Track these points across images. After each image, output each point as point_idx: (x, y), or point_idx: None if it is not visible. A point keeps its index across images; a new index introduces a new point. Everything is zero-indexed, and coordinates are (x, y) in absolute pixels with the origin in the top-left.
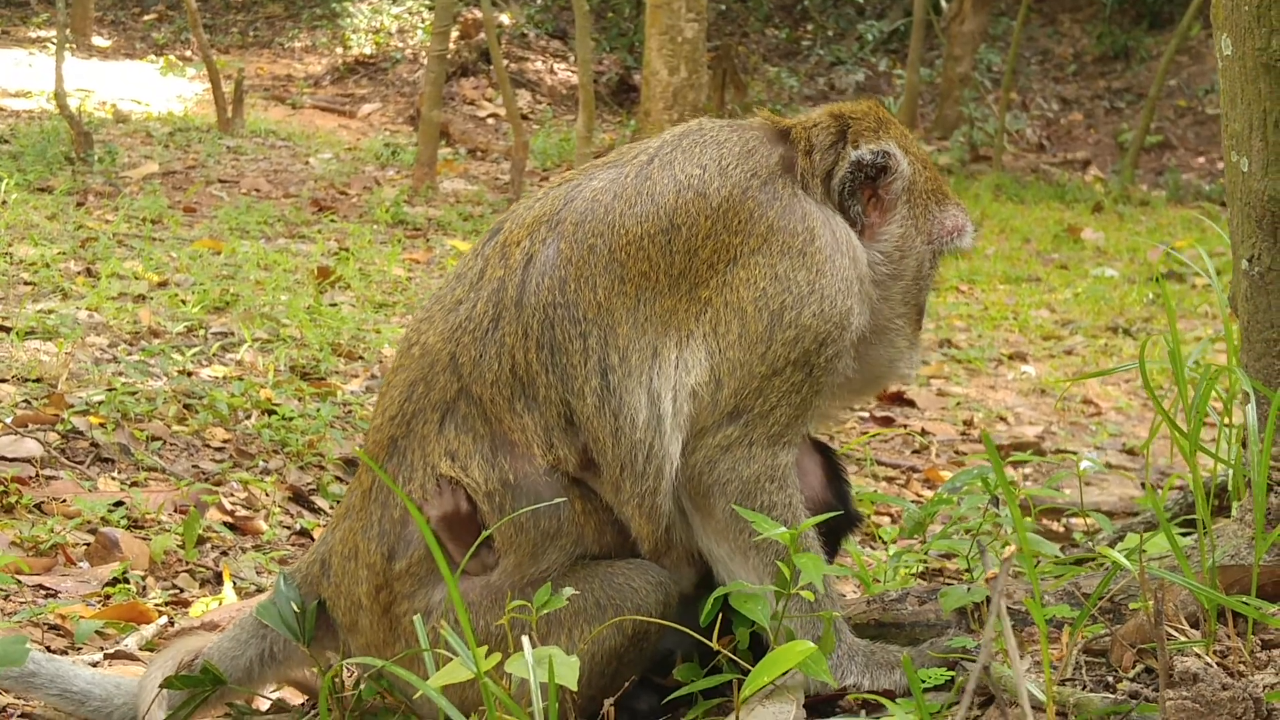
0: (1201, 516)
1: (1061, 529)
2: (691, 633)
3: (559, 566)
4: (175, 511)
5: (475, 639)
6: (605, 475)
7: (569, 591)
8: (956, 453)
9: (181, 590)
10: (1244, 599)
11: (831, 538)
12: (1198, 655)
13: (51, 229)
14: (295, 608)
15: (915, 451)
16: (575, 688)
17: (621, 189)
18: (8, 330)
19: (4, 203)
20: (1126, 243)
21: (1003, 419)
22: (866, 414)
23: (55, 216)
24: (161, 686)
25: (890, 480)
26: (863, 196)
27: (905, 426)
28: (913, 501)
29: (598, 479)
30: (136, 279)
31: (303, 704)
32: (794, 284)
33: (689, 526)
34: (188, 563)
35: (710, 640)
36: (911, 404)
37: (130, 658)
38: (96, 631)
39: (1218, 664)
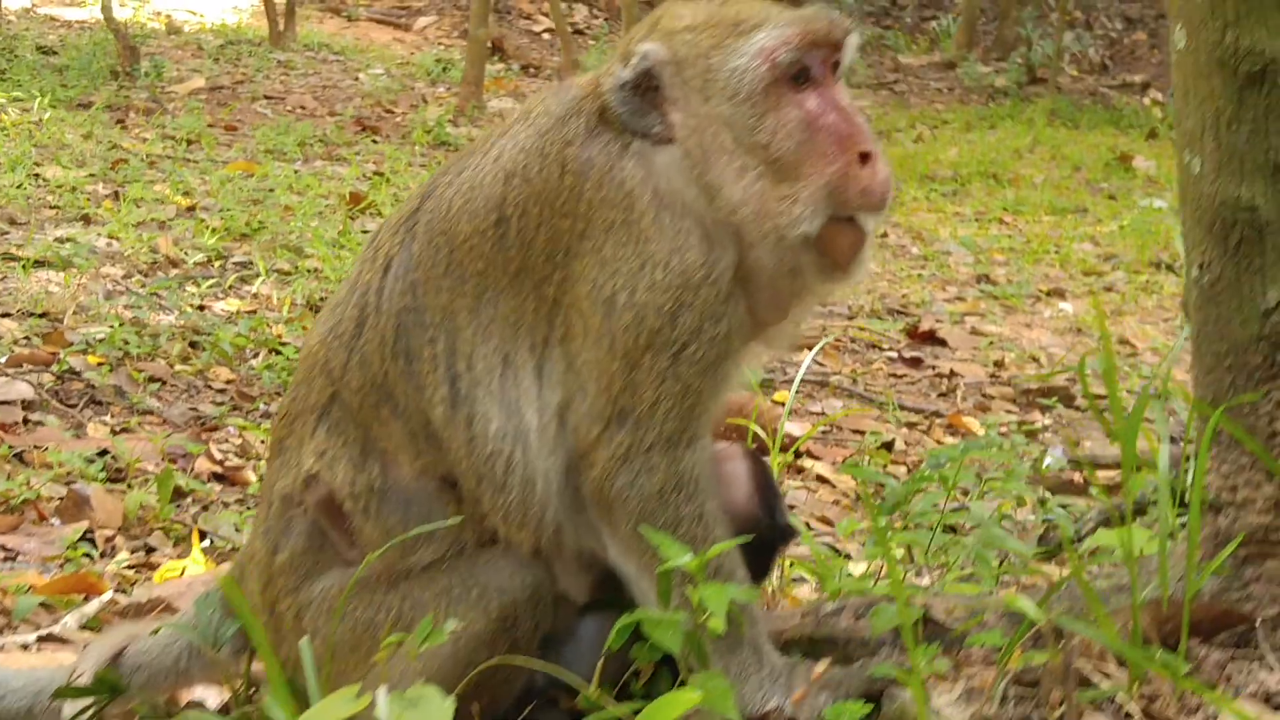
0: (1125, 546)
1: (1081, 480)
2: (563, 675)
3: (430, 557)
4: (161, 460)
5: (345, 630)
6: (464, 487)
7: (453, 625)
8: (984, 395)
9: (153, 550)
10: (1159, 652)
11: (762, 552)
12: (1116, 702)
13: (84, 149)
14: (214, 611)
15: (941, 395)
16: None
17: (461, 182)
18: (18, 260)
19: (38, 121)
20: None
21: (1035, 359)
22: (895, 354)
23: (90, 135)
24: (52, 698)
25: (911, 426)
26: (656, 107)
27: (933, 368)
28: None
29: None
30: (163, 203)
31: (221, 706)
32: (622, 263)
33: (590, 533)
34: (163, 520)
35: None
36: (943, 343)
37: (62, 641)
38: (41, 605)
39: (1143, 710)
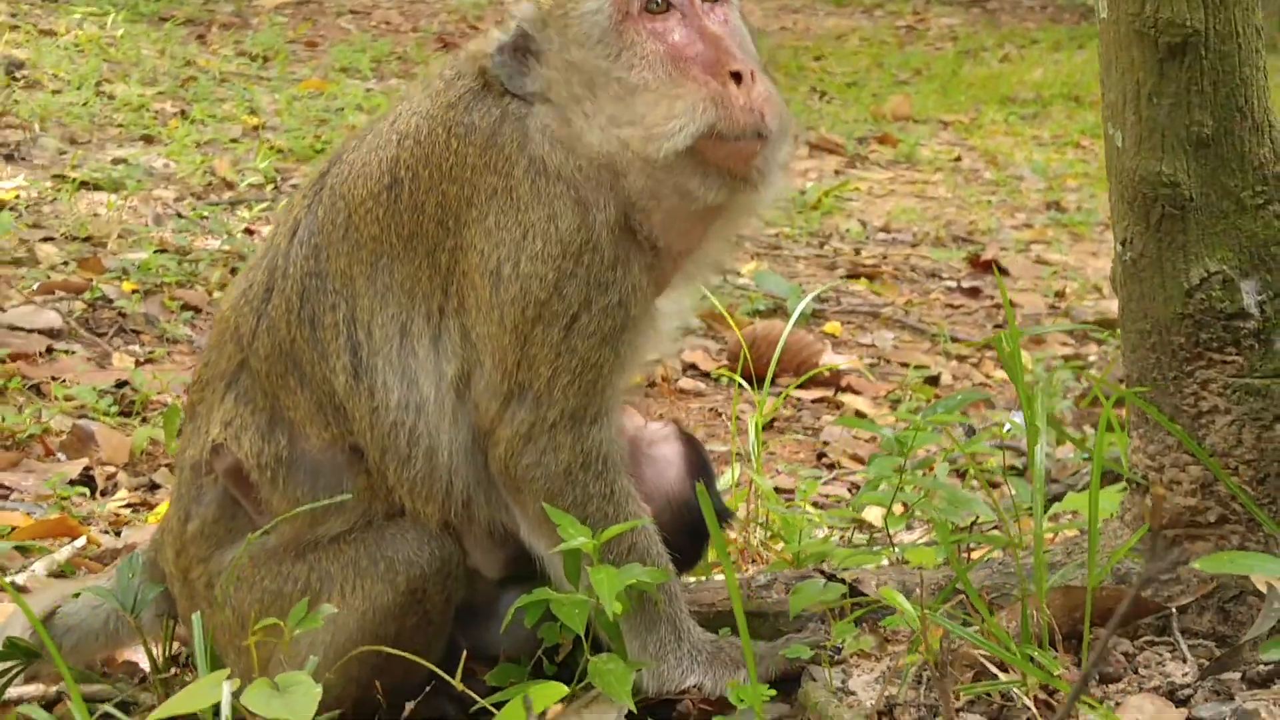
0: (1037, 533)
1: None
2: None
3: (339, 529)
4: (183, 393)
5: (248, 599)
6: (369, 459)
7: (328, 609)
8: (1038, 322)
9: (156, 488)
10: (1026, 651)
11: (695, 536)
12: (1007, 699)
13: (156, 66)
14: (134, 576)
15: (998, 326)
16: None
17: (363, 147)
18: (68, 180)
19: (112, 39)
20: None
21: (1098, 289)
22: (954, 284)
23: (164, 52)
24: None
25: (962, 359)
26: (532, 68)
27: (992, 298)
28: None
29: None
30: (230, 123)
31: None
32: (505, 232)
33: (502, 507)
34: (169, 456)
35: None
36: (1005, 272)
37: (23, 590)
38: (18, 549)
39: (1044, 702)
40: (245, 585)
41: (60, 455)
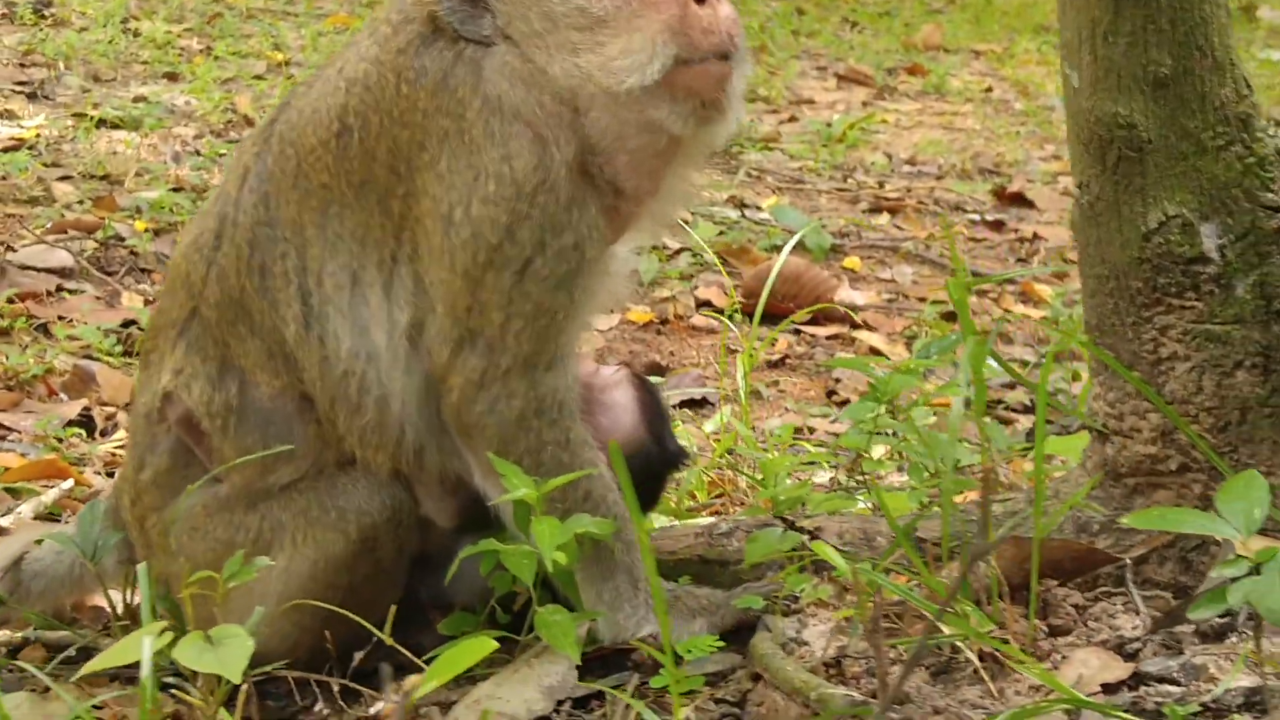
0: (986, 486)
1: None
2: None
3: (290, 477)
4: None
5: (201, 548)
6: (320, 408)
7: (264, 561)
8: (1065, 260)
9: None
10: (962, 605)
11: (651, 480)
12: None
13: (184, 3)
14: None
15: (1020, 260)
16: (238, 678)
17: (312, 94)
18: (86, 118)
19: None
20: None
21: None
22: (977, 217)
23: None
24: None
25: (982, 294)
26: (485, 9)
27: (1016, 231)
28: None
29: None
30: (255, 59)
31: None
32: (457, 176)
33: (455, 456)
34: None
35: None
36: (1030, 205)
37: (3, 531)
38: (8, 490)
39: (990, 654)
40: (199, 534)
41: (63, 395)
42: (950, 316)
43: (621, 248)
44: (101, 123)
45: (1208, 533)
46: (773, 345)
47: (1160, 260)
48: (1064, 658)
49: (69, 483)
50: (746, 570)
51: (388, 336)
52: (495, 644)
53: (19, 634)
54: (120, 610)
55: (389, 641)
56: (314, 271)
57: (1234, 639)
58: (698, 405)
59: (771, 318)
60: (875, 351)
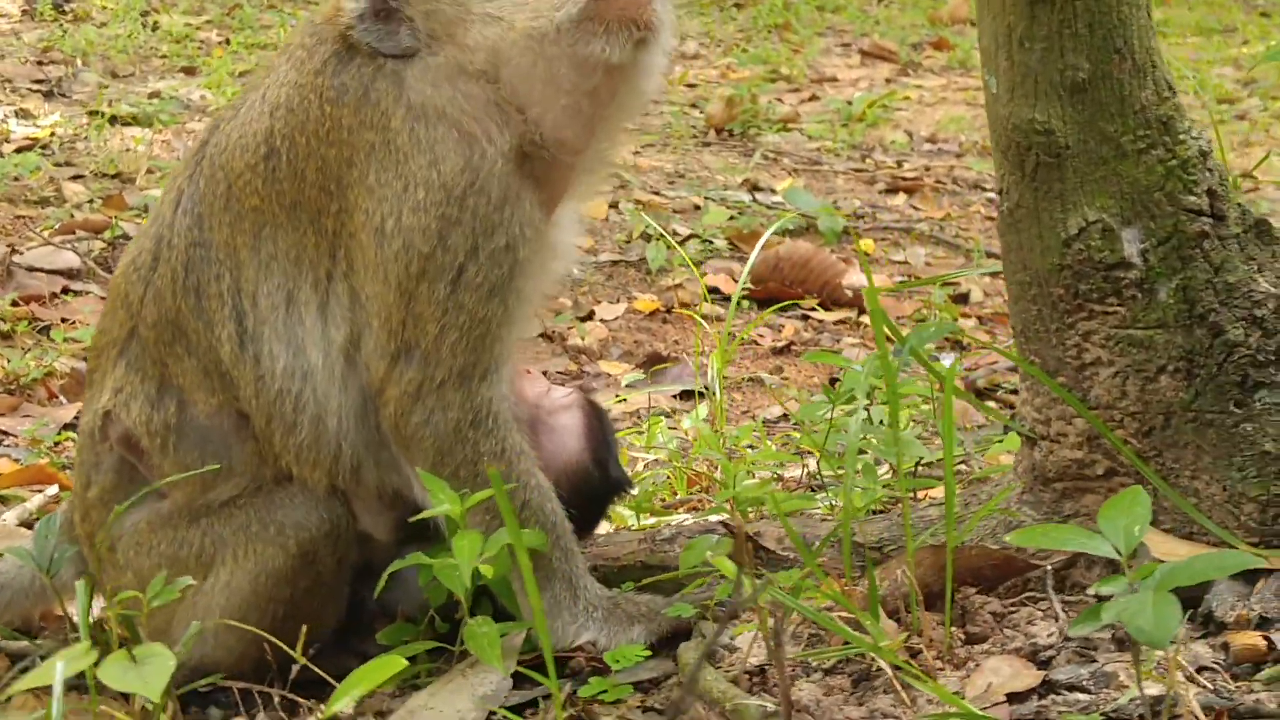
0: (904, 494)
1: None
2: None
3: (230, 493)
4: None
5: (146, 563)
6: (256, 426)
7: (185, 581)
8: None
9: None
10: (864, 617)
11: (593, 505)
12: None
13: None
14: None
15: None
16: (158, 698)
17: (238, 119)
18: (100, 115)
19: None
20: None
21: None
22: (996, 195)
23: None
24: None
25: (995, 275)
26: (399, 23)
27: None
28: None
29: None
30: (272, 51)
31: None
32: (386, 188)
33: (393, 470)
34: None
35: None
36: None
37: None
38: None
39: (902, 664)
40: (144, 550)
41: (62, 399)
42: (961, 298)
43: (560, 222)
44: (115, 119)
45: (1087, 550)
46: (779, 331)
47: (1081, 266)
48: (977, 665)
49: (54, 489)
50: (688, 576)
51: (323, 355)
52: (405, 662)
53: None
54: (81, 626)
55: (302, 661)
56: (248, 293)
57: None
58: (699, 397)
59: (780, 303)
60: (889, 340)
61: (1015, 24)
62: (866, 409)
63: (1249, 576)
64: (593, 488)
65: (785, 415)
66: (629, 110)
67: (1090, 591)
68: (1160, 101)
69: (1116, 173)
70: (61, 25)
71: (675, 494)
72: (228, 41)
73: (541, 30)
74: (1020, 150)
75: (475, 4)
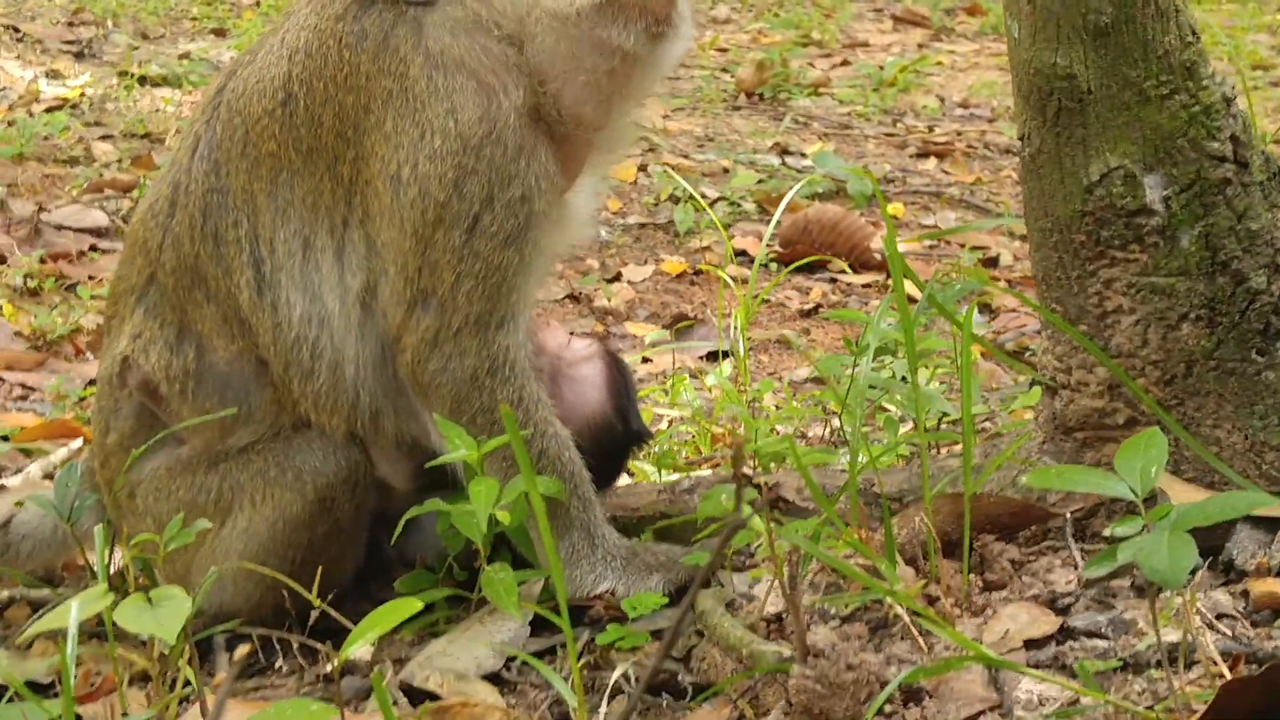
0: (922, 443)
1: None
2: None
3: (248, 439)
4: None
5: (165, 509)
6: (274, 372)
7: (203, 524)
8: None
9: None
10: (882, 564)
11: (613, 456)
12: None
13: None
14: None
15: None
16: (173, 639)
17: (256, 63)
18: (129, 76)
19: None
20: None
21: None
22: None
23: None
24: None
25: (1024, 238)
26: None
27: None
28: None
29: None
30: None
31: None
32: (403, 135)
33: (411, 419)
34: None
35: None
36: None
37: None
38: (22, 450)
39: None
40: (163, 495)
41: (88, 355)
42: (990, 262)
43: (579, 190)
44: (145, 80)
45: (1103, 492)
46: (806, 294)
47: (1103, 213)
48: (994, 613)
49: (78, 442)
50: (708, 525)
51: (340, 302)
52: (420, 604)
53: (5, 593)
54: (99, 570)
55: (321, 606)
56: (265, 238)
57: (1168, 593)
58: (722, 356)
59: (808, 267)
60: (912, 300)
61: None
62: (882, 357)
63: (1270, 525)
64: (613, 439)
65: (813, 378)
66: (644, 92)
67: (1105, 533)
68: (1184, 47)
69: (1139, 118)
70: None
71: (700, 451)
72: (258, 3)
73: (563, 11)
74: (1042, 95)
75: None
